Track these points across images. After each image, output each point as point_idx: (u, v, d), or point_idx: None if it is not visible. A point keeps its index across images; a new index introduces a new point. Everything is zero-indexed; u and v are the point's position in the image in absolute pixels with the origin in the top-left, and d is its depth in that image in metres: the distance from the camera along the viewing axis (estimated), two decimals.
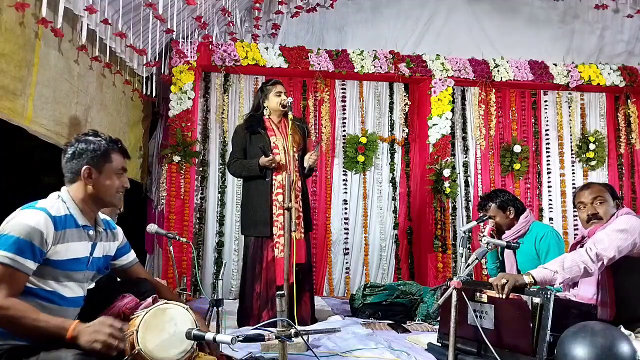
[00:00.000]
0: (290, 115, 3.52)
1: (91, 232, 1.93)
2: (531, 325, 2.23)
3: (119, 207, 2.96)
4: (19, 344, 1.71)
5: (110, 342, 1.63)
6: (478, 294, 2.46)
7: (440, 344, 2.75)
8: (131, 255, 2.22)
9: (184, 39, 4.98)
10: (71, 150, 1.92)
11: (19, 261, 1.69)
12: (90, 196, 1.91)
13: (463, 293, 2.41)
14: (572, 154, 5.99)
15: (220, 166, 5.46)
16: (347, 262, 5.61)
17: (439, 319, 3.07)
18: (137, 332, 1.76)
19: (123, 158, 2.01)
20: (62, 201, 1.87)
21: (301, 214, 3.75)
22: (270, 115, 3.81)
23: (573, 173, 5.97)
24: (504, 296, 2.32)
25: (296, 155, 3.75)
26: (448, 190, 5.38)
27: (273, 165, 3.62)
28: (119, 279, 2.78)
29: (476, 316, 2.44)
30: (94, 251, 1.94)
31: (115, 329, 1.66)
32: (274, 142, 3.72)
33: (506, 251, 3.53)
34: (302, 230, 3.74)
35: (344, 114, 5.75)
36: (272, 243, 3.64)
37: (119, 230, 2.16)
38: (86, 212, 1.91)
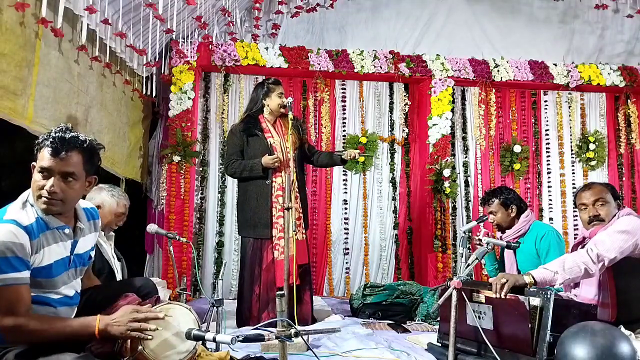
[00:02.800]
0: (290, 115, 3.51)
1: (67, 231, 1.83)
2: (530, 325, 2.22)
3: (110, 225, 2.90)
4: (18, 349, 1.70)
5: (136, 328, 1.69)
6: (475, 294, 2.46)
7: (440, 344, 2.75)
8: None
9: (184, 39, 4.99)
10: None
11: (12, 276, 1.65)
12: None
13: (463, 293, 2.41)
14: (572, 154, 5.99)
15: (220, 166, 5.45)
16: (347, 262, 5.61)
17: (439, 319, 3.08)
18: None
19: (51, 156, 1.74)
20: (30, 205, 1.77)
21: (301, 215, 3.75)
22: (267, 114, 3.81)
23: (573, 173, 5.97)
24: (500, 296, 2.31)
25: (295, 154, 3.73)
26: (448, 190, 5.38)
27: (277, 164, 3.61)
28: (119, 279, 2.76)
29: (476, 316, 2.44)
30: (74, 249, 1.87)
31: (139, 315, 1.71)
32: (272, 144, 3.72)
33: (506, 250, 3.53)
34: (303, 231, 3.75)
35: (344, 114, 5.75)
36: (271, 245, 3.64)
37: (98, 220, 2.07)
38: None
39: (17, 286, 1.66)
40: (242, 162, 3.72)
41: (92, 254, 2.07)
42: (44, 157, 1.75)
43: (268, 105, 3.78)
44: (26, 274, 1.69)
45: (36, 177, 1.76)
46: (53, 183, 1.75)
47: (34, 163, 1.79)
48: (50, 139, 1.74)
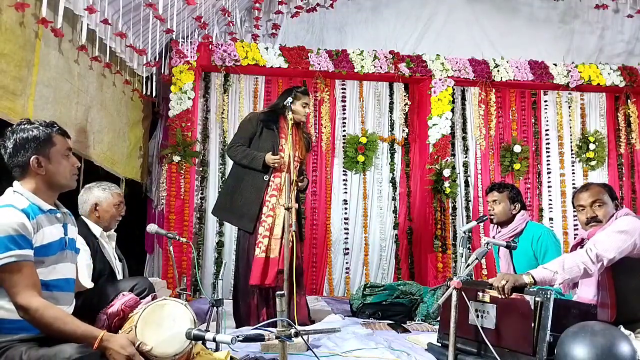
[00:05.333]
0: (302, 125, 3.54)
1: (59, 215, 1.92)
2: (532, 325, 2.23)
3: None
4: (23, 338, 1.73)
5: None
6: (480, 293, 2.46)
7: (440, 344, 2.75)
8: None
9: (184, 39, 4.99)
10: (11, 144, 1.84)
11: (20, 253, 1.71)
12: (45, 184, 1.88)
13: (463, 293, 2.41)
14: (572, 154, 5.99)
15: (220, 166, 5.46)
16: (347, 262, 5.61)
17: (439, 319, 3.08)
18: (135, 327, 1.78)
19: (65, 138, 1.94)
20: (19, 195, 1.84)
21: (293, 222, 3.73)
22: (288, 119, 3.79)
23: (573, 173, 5.97)
24: (505, 296, 2.32)
25: (298, 163, 3.74)
26: (448, 190, 5.38)
27: (276, 165, 3.62)
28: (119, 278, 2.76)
29: (477, 316, 2.44)
30: (67, 231, 1.94)
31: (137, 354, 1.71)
32: (282, 144, 3.72)
33: (502, 250, 3.53)
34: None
35: (344, 114, 5.75)
36: (254, 240, 3.63)
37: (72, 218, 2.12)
38: (45, 199, 1.89)
39: (26, 262, 1.72)
40: (246, 149, 3.72)
41: (81, 248, 2.12)
42: (63, 142, 1.91)
43: (290, 111, 3.77)
44: (30, 251, 1.75)
45: (62, 161, 1.89)
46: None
47: (35, 157, 1.84)
48: (55, 127, 1.90)
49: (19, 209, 1.76)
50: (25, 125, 1.88)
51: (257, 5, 5.11)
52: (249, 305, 3.61)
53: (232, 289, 5.21)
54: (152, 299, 2.00)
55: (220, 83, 5.55)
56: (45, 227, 1.83)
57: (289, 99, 3.71)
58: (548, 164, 5.95)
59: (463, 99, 5.87)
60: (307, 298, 3.93)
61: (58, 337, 1.69)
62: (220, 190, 3.95)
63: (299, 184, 3.76)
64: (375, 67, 5.51)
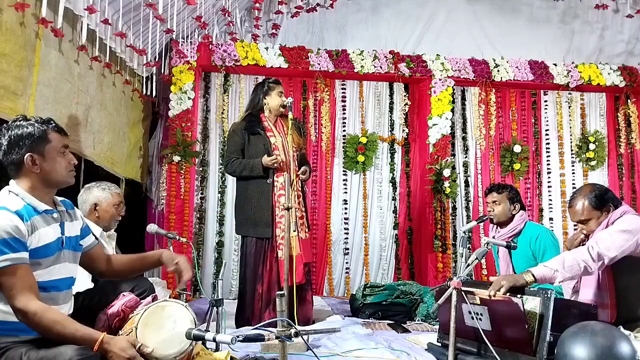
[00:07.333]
0: (290, 115, 3.52)
1: (55, 215, 1.88)
2: (526, 325, 2.22)
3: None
4: (23, 339, 1.72)
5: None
6: (470, 295, 2.45)
7: (440, 344, 2.75)
8: (91, 237, 2.13)
9: (184, 39, 4.99)
10: (6, 141, 1.80)
11: (15, 256, 1.69)
12: (41, 182, 1.84)
13: (463, 294, 2.41)
14: (572, 154, 5.99)
15: (220, 166, 5.45)
16: (347, 262, 5.61)
17: (438, 319, 3.08)
18: (136, 329, 1.77)
19: (61, 135, 1.89)
20: (14, 195, 1.80)
21: (304, 214, 3.75)
22: (268, 113, 3.81)
23: (573, 173, 5.97)
24: (490, 295, 2.31)
25: (296, 154, 3.73)
26: (448, 190, 5.38)
27: (276, 165, 3.61)
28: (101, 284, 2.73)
29: (472, 318, 2.44)
30: (64, 230, 1.91)
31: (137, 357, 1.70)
32: (274, 143, 3.71)
33: (501, 251, 3.54)
34: (306, 230, 3.75)
35: (344, 114, 5.75)
36: (275, 244, 3.63)
37: (76, 210, 2.08)
38: (42, 198, 1.85)
39: (21, 265, 1.70)
40: (242, 161, 3.71)
41: (86, 241, 2.08)
42: (59, 139, 1.87)
43: (268, 104, 3.78)
44: (26, 254, 1.73)
45: (58, 158, 1.86)
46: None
47: (29, 154, 1.80)
48: (51, 124, 1.87)
49: (12, 211, 1.73)
50: (21, 122, 1.84)
51: (257, 5, 5.11)
52: (254, 309, 3.60)
53: (232, 289, 5.26)
54: (153, 300, 2.00)
55: (220, 83, 5.55)
56: (41, 229, 1.80)
57: (261, 95, 3.74)
58: (548, 164, 5.95)
59: (463, 99, 5.87)
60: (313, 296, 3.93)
61: (57, 340, 1.68)
62: (234, 207, 3.94)
63: (302, 176, 3.73)
64: (375, 67, 5.51)
